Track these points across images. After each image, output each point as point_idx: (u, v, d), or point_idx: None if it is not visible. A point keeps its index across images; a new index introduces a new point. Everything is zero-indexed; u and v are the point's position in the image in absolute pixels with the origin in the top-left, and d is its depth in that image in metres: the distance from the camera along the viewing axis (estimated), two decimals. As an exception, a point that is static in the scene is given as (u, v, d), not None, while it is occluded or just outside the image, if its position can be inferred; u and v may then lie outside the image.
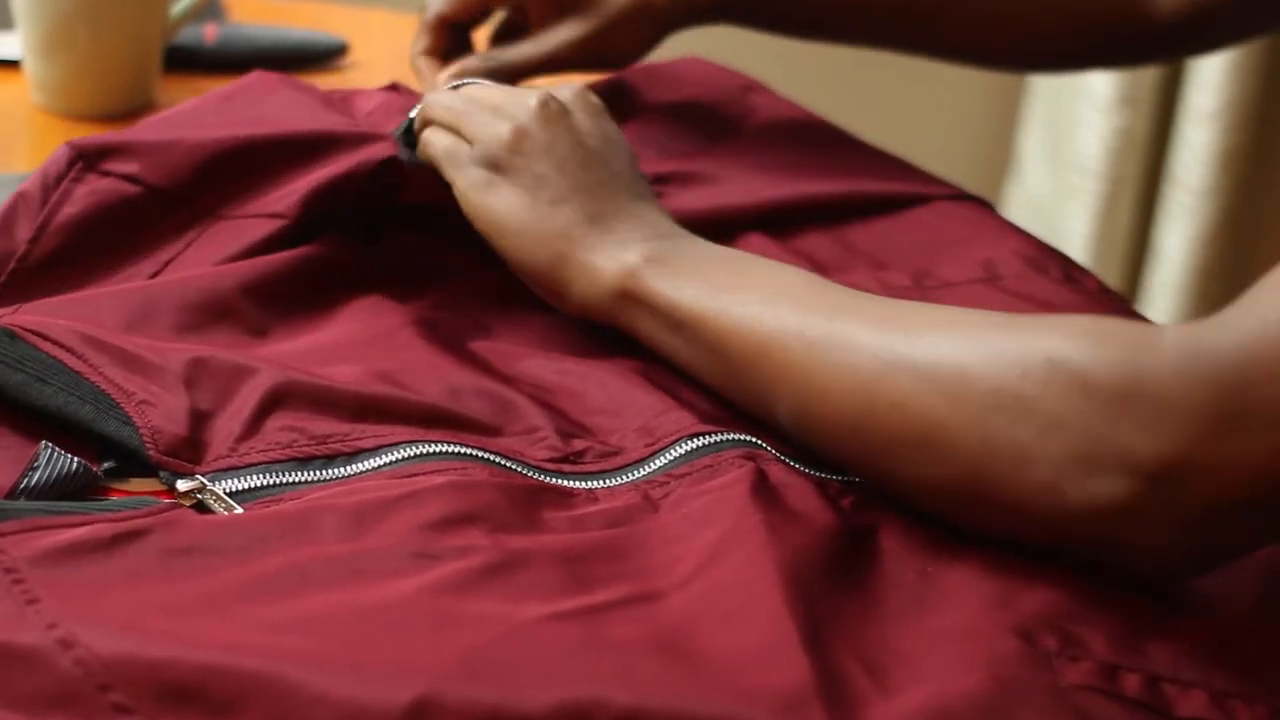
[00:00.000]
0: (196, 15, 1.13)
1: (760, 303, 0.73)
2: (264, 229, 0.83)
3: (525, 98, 0.83)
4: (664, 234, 0.80)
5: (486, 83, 0.87)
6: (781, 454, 0.72)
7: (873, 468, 0.70)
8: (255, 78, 0.92)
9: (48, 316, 0.74)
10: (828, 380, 0.70)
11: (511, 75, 0.97)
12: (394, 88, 0.97)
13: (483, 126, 0.82)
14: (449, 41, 1.02)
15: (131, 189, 0.82)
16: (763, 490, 0.69)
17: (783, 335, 0.72)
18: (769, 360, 0.72)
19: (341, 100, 0.94)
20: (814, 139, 1.01)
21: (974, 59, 1.06)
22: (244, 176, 0.84)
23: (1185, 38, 1.01)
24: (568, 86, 0.85)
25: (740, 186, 0.94)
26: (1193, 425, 0.62)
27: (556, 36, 0.98)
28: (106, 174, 0.82)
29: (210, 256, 0.82)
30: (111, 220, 0.81)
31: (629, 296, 0.77)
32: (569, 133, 0.82)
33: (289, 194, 0.83)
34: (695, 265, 0.77)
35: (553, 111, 0.82)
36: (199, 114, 0.88)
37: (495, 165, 0.81)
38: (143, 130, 0.86)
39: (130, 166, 0.83)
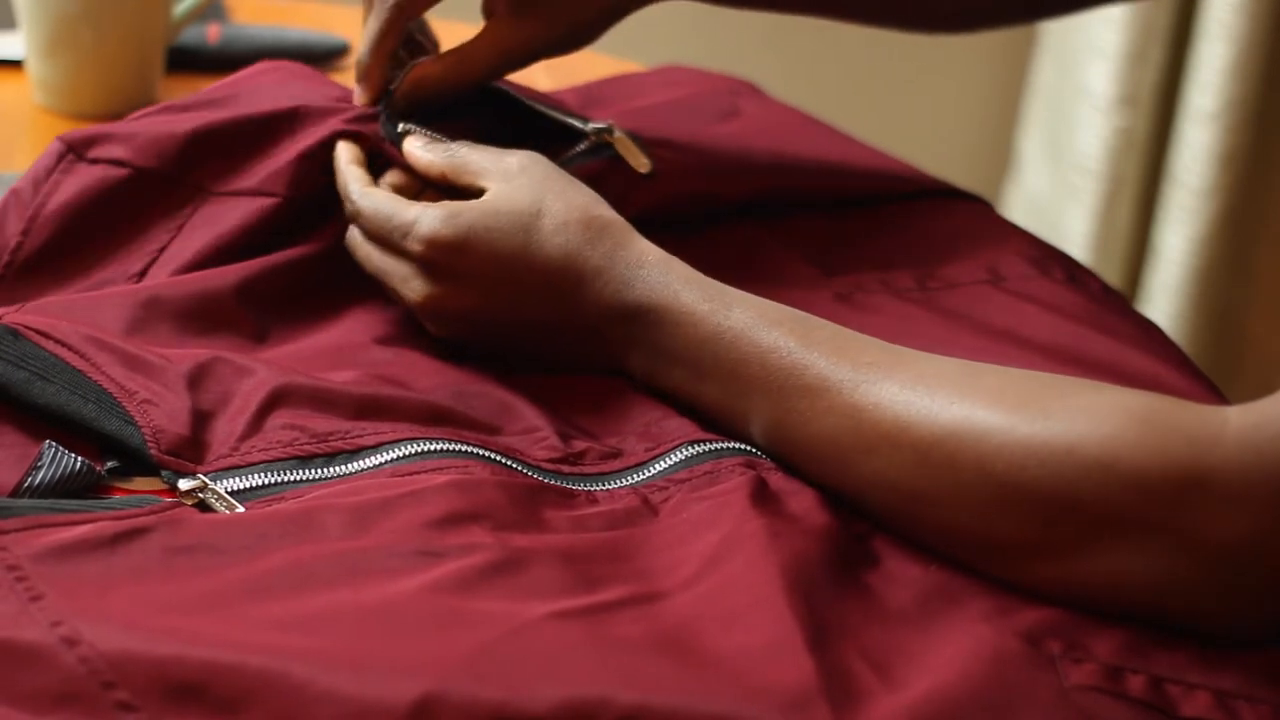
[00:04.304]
0: (199, 15, 1.13)
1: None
2: (254, 208, 0.82)
3: (410, 236, 0.76)
4: (632, 318, 0.76)
5: (419, 144, 0.82)
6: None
7: (901, 522, 0.69)
8: (260, 66, 0.91)
9: (51, 318, 0.74)
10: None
11: (470, 79, 0.88)
12: None
13: (393, 286, 0.79)
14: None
15: (119, 172, 0.82)
16: (763, 496, 0.69)
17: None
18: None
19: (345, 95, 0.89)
20: (808, 137, 1.00)
21: (921, 19, 1.01)
22: (232, 152, 0.83)
23: None
24: (448, 220, 0.76)
25: (732, 174, 0.93)
26: (1261, 510, 0.62)
27: (515, 37, 0.87)
28: (95, 161, 0.82)
29: (202, 241, 0.81)
30: (101, 205, 0.81)
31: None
32: (471, 286, 0.77)
33: (275, 167, 0.83)
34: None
35: (439, 265, 0.76)
36: (195, 101, 0.87)
37: (431, 323, 0.79)
38: (134, 120, 0.85)
39: (117, 151, 0.82)
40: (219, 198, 0.83)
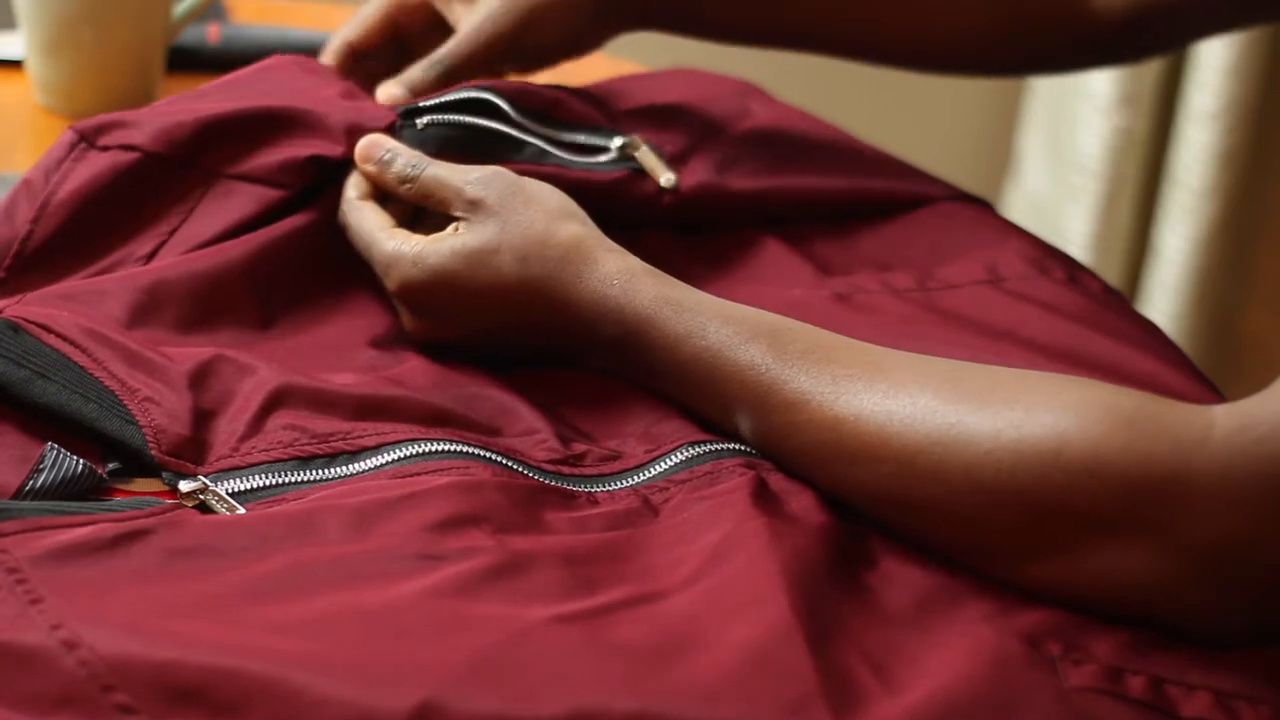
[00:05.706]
0: (199, 15, 1.13)
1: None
2: (265, 198, 0.82)
3: (388, 277, 0.78)
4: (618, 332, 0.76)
5: (402, 156, 0.82)
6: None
7: (901, 527, 0.70)
8: (272, 61, 0.90)
9: (52, 308, 0.74)
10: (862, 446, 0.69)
11: (454, 77, 0.91)
12: None
13: (381, 278, 0.80)
14: (355, 67, 0.95)
15: (129, 157, 0.81)
16: (763, 497, 0.69)
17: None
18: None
19: (351, 90, 0.90)
20: (814, 139, 1.01)
21: (909, 60, 1.02)
22: (242, 140, 0.82)
23: (1125, 39, 0.98)
24: (416, 264, 0.78)
25: (741, 172, 0.93)
26: (1246, 511, 0.62)
27: (484, 29, 0.91)
28: (105, 149, 0.81)
29: (212, 228, 0.81)
30: (111, 190, 0.80)
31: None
32: (452, 320, 0.78)
33: (290, 162, 0.82)
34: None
35: (417, 305, 0.78)
36: (208, 91, 0.87)
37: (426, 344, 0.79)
38: (147, 109, 0.85)
39: (127, 136, 0.82)
40: (229, 183, 0.82)
